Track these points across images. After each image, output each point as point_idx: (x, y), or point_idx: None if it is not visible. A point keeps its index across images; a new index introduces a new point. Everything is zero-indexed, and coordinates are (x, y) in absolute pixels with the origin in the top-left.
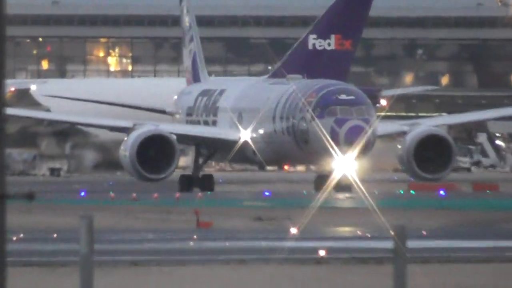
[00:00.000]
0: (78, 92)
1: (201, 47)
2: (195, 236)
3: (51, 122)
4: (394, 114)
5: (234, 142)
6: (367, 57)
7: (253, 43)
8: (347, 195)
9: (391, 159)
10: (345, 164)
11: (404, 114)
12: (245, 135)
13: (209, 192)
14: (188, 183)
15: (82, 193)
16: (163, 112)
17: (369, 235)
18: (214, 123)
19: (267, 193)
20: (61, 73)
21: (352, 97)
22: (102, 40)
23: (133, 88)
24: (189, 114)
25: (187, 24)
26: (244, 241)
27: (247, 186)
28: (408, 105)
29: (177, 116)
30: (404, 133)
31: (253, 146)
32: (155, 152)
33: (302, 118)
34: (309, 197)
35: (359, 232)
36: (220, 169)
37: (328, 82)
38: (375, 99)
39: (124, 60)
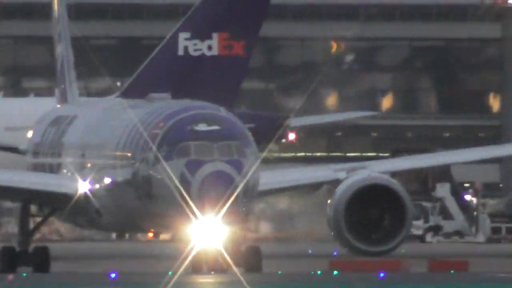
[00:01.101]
0: None
1: (70, 51)
2: None
3: None
4: (308, 154)
5: (70, 197)
6: (268, 66)
7: (93, 44)
8: (218, 277)
9: (318, 222)
10: (206, 232)
11: (323, 154)
12: (83, 186)
13: (24, 274)
14: (11, 259)
15: None
16: (15, 150)
17: None
18: (59, 167)
19: (113, 275)
20: None
21: (215, 127)
22: None
23: None
24: (36, 153)
25: (56, 15)
26: None
27: (86, 263)
28: (331, 141)
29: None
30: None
31: (95, 203)
32: None
33: (143, 160)
34: (179, 280)
35: None
36: (41, 238)
37: (188, 104)
38: (279, 131)
39: None
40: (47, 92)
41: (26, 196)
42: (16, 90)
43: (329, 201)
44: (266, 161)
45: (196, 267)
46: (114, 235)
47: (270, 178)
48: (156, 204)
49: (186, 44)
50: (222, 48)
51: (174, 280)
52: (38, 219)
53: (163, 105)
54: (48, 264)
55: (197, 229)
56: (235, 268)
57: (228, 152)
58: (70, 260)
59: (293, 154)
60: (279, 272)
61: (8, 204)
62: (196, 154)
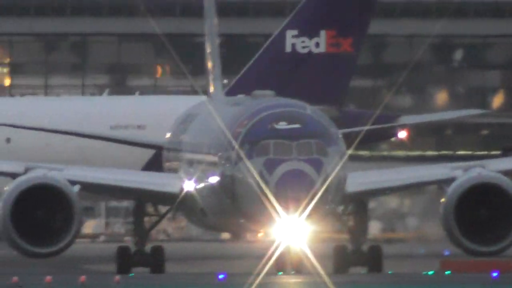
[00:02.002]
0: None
1: (217, 47)
2: None
3: None
4: (420, 153)
5: (175, 197)
6: (377, 64)
7: (198, 42)
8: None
9: (430, 221)
10: (285, 231)
11: (434, 153)
12: (188, 185)
13: (131, 274)
14: (127, 259)
15: None
16: (159, 148)
17: None
18: (178, 166)
19: (221, 276)
20: None
21: (295, 125)
22: None
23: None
24: (168, 151)
25: (206, 10)
26: None
27: (196, 263)
28: (440, 139)
29: None
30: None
31: (200, 202)
32: (45, 212)
33: (228, 158)
34: (264, 280)
35: None
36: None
37: (273, 102)
38: (390, 130)
39: None
40: (152, 90)
41: (136, 196)
42: (121, 89)
43: (441, 200)
44: (376, 159)
45: (280, 267)
46: (227, 236)
47: (382, 177)
48: (240, 204)
49: (294, 41)
50: (330, 45)
51: (258, 280)
52: (154, 218)
53: (254, 103)
54: (163, 264)
55: (278, 228)
56: (319, 268)
57: (307, 150)
58: (179, 260)
59: (402, 152)
60: (389, 272)
61: (114, 204)
62: (275, 152)
